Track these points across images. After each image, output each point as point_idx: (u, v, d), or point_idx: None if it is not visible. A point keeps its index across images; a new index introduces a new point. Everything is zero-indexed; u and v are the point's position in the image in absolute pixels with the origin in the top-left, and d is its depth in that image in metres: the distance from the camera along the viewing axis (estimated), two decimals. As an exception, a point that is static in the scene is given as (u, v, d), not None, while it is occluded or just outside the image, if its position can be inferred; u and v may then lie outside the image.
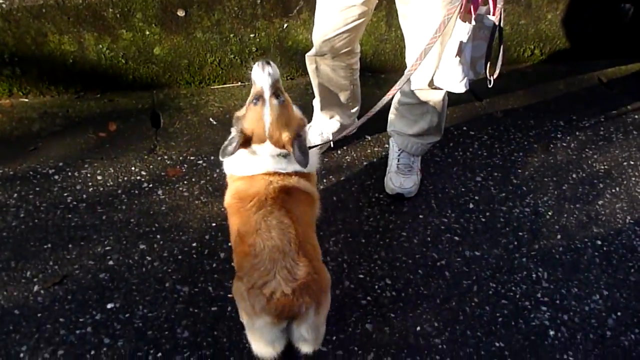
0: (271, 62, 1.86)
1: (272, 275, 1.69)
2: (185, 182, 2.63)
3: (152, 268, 2.27)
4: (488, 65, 2.09)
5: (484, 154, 2.93)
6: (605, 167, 2.92)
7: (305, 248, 1.79)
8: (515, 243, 2.49)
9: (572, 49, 3.57)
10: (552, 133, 3.10)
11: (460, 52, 1.98)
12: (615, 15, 3.53)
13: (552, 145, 3.02)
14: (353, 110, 2.76)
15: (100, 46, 2.85)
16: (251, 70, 1.87)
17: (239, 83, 3.17)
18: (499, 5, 1.94)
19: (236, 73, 3.13)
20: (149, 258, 2.31)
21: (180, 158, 2.74)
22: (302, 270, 1.71)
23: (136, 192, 2.57)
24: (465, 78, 2.07)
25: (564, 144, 3.04)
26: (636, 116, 3.29)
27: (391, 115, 2.66)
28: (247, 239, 1.80)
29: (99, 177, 2.61)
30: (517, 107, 3.27)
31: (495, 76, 2.09)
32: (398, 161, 2.66)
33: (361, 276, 2.31)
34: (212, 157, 2.73)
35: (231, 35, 2.96)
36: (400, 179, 2.62)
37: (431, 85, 2.26)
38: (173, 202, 2.53)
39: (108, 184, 2.58)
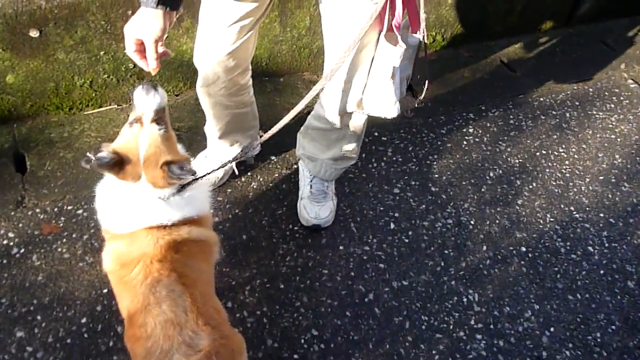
0: (159, 88, 1.53)
1: (171, 357, 1.41)
2: (65, 240, 2.22)
3: (35, 362, 1.89)
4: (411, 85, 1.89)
5: (399, 161, 2.74)
6: (520, 160, 2.84)
7: (206, 314, 1.52)
8: (442, 264, 2.34)
9: (473, 31, 3.43)
10: (464, 128, 2.97)
11: (393, 76, 1.75)
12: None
13: (465, 143, 2.89)
14: (253, 131, 2.45)
15: None
16: (133, 91, 1.54)
17: (117, 105, 2.74)
18: (422, 22, 1.70)
19: (113, 94, 2.69)
20: (29, 349, 1.92)
21: (56, 209, 2.31)
22: (205, 339, 1.44)
23: (4, 261, 2.13)
24: (397, 101, 1.84)
25: (477, 139, 2.92)
26: (541, 98, 3.23)
27: (300, 137, 2.38)
28: (136, 319, 1.50)
29: (-47, 249, 2.15)
30: (426, 102, 3.09)
31: (421, 97, 1.90)
32: (311, 187, 2.40)
33: (284, 330, 2.07)
34: (93, 203, 2.32)
35: (101, 52, 2.51)
36: (315, 208, 2.36)
37: (359, 107, 1.98)
38: (52, 269, 2.13)
39: (-34, 256, 2.13)
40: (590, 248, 2.47)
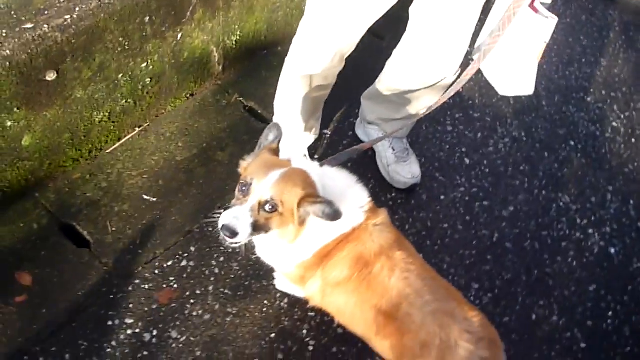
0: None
1: (455, 347, 1.41)
2: (192, 300, 1.92)
3: None
4: None
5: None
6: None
7: (462, 299, 1.56)
8: (526, 180, 2.50)
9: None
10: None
11: (543, 55, 1.64)
12: None
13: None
14: (320, 114, 2.28)
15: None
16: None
17: (137, 129, 2.29)
18: None
19: (130, 120, 2.24)
20: None
21: (156, 272, 1.95)
22: (478, 326, 1.46)
23: (144, 353, 1.78)
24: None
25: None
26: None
27: (368, 102, 2.30)
28: (394, 313, 1.49)
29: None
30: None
31: None
32: (393, 149, 2.33)
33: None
34: (189, 250, 2.00)
35: (119, 75, 2.04)
36: (407, 168, 2.31)
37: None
38: (202, 337, 1.84)
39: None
40: (614, 124, 2.81)
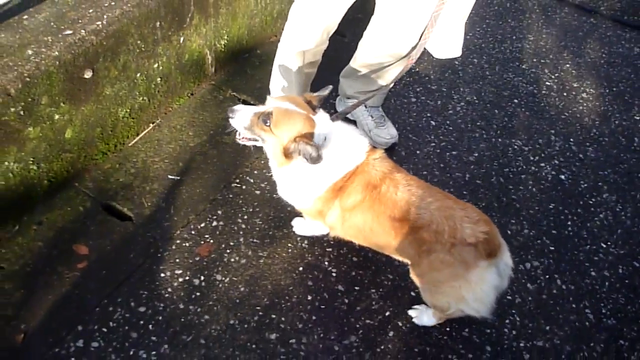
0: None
1: (462, 229, 1.75)
2: (229, 250, 2.26)
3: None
4: None
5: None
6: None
7: (444, 193, 1.93)
8: (483, 132, 2.97)
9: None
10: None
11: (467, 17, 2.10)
12: None
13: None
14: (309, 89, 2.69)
15: (7, 163, 2.00)
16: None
17: (152, 125, 2.63)
18: None
19: (146, 116, 2.58)
20: (292, 341, 2.02)
21: (193, 232, 2.29)
22: (473, 211, 1.81)
23: (196, 294, 2.10)
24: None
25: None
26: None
27: (345, 80, 2.71)
28: (407, 217, 1.82)
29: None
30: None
31: None
32: (372, 117, 2.75)
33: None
34: (218, 211, 2.35)
35: (137, 75, 2.39)
36: (385, 130, 2.74)
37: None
38: (243, 276, 2.18)
39: None
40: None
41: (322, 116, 1.90)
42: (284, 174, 1.95)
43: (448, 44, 2.23)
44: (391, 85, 2.39)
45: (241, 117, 1.82)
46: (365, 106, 2.74)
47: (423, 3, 2.18)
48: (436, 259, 1.79)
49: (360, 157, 1.92)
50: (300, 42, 2.33)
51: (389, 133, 2.74)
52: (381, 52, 2.45)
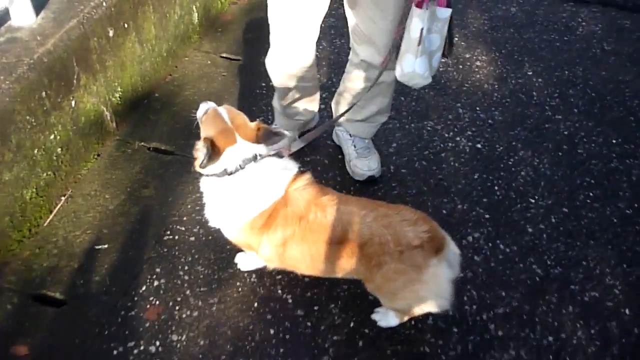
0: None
1: (404, 233, 1.75)
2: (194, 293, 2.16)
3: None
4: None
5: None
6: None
7: (372, 201, 1.95)
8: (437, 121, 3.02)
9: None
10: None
11: (421, 41, 1.97)
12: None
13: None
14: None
15: None
16: None
17: (63, 198, 2.48)
18: None
19: (55, 191, 2.43)
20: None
21: (160, 296, 2.17)
22: (408, 212, 1.82)
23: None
24: (428, 70, 2.07)
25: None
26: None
27: (335, 105, 2.69)
28: (348, 236, 1.80)
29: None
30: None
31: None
32: (355, 147, 2.68)
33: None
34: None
35: (35, 151, 2.25)
36: (365, 162, 2.63)
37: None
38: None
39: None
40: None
41: (246, 144, 1.85)
42: (206, 187, 1.93)
43: (410, 69, 2.09)
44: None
45: (202, 109, 1.92)
46: (350, 135, 2.71)
47: (383, 25, 2.17)
48: (388, 270, 1.79)
49: (277, 193, 1.87)
50: (288, 62, 2.37)
51: (367, 165, 2.63)
52: (354, 76, 2.45)
